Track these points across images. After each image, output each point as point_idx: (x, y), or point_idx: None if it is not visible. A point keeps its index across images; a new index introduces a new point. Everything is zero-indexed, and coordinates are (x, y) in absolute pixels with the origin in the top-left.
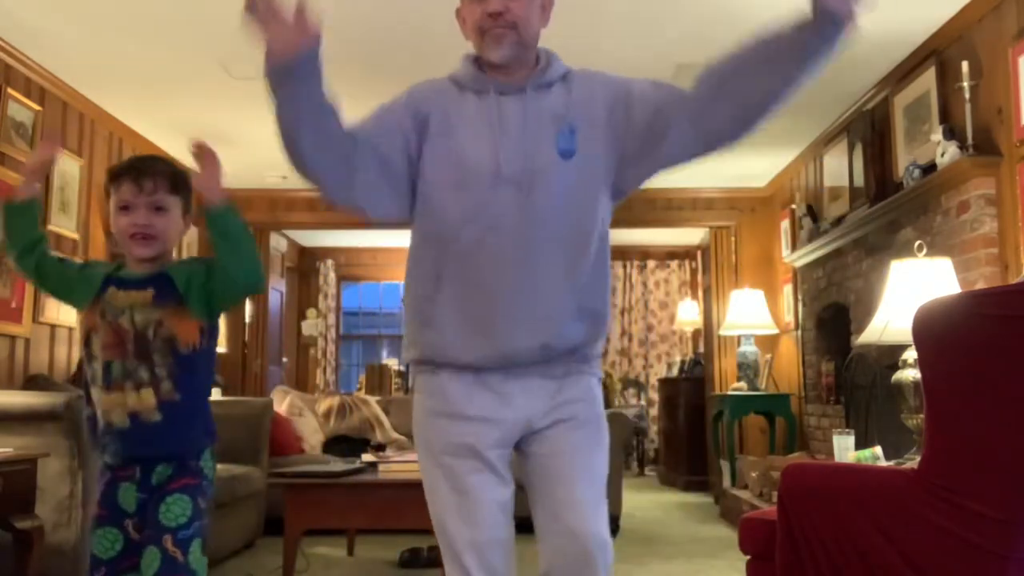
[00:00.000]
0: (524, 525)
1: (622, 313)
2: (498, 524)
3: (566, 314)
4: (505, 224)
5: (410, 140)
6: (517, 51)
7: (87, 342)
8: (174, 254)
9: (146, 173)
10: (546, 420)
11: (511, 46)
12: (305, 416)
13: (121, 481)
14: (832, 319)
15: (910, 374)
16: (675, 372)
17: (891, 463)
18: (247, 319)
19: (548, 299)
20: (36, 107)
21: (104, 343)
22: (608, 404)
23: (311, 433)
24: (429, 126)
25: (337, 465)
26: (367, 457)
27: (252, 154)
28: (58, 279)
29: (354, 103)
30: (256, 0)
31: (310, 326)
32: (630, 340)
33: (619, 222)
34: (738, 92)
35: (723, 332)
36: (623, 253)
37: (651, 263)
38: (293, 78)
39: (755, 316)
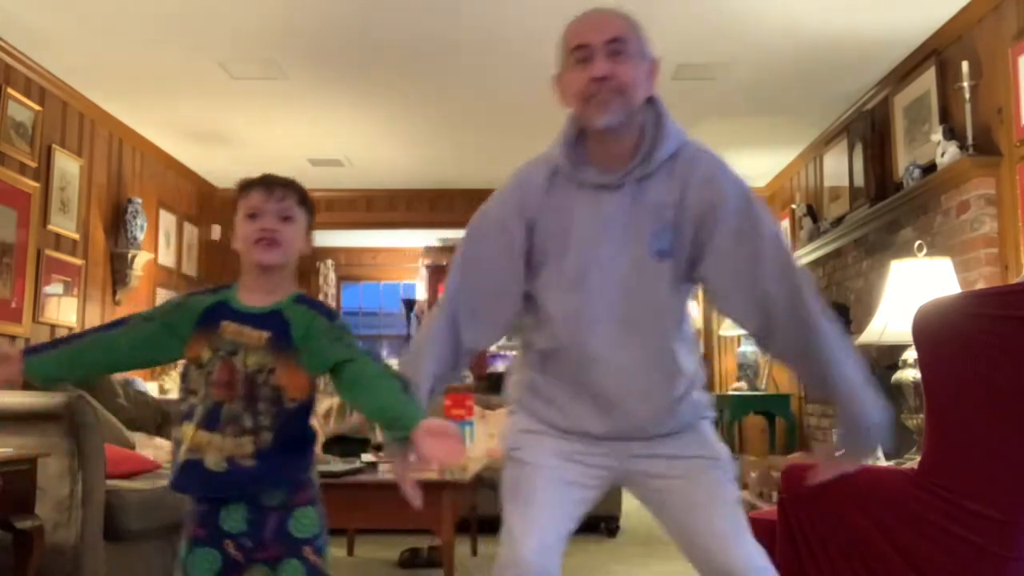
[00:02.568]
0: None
1: None
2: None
3: (662, 410)
4: (601, 325)
5: (521, 258)
6: (623, 117)
7: (185, 374)
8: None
9: (277, 183)
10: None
11: (617, 112)
12: None
13: (226, 504)
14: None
15: (910, 374)
16: None
17: (891, 463)
18: None
19: (640, 403)
20: (36, 107)
21: (217, 380)
22: None
23: None
24: (536, 231)
25: (337, 465)
26: (367, 457)
27: (252, 154)
28: (137, 349)
29: (380, 103)
30: None
31: None
32: None
33: None
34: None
35: (723, 332)
36: None
37: None
38: None
39: None
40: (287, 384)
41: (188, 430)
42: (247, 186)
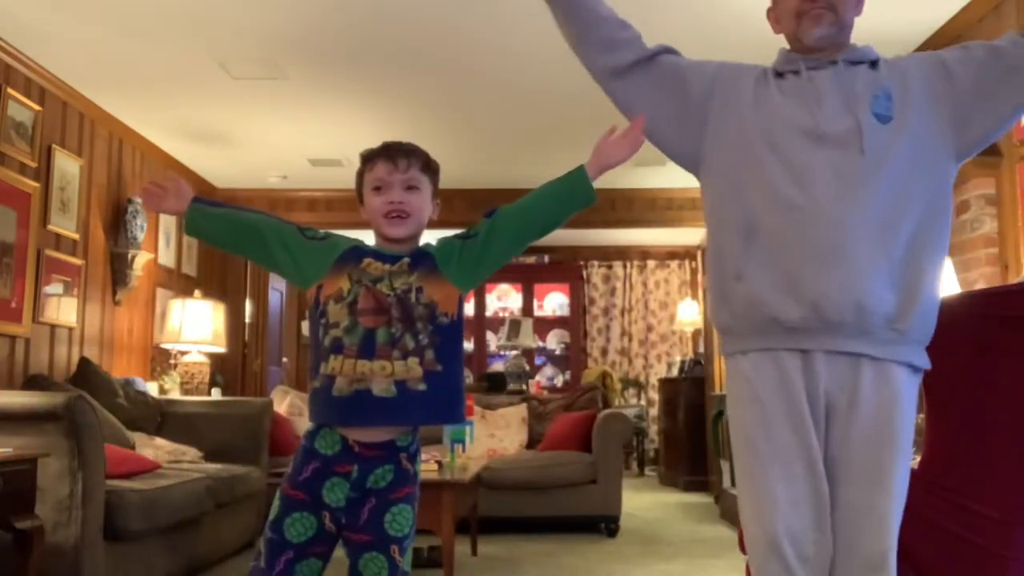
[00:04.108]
0: (520, 526)
1: (622, 313)
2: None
3: (878, 277)
4: (819, 181)
5: (708, 99)
6: (834, 31)
7: (323, 312)
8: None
9: (400, 152)
10: (843, 405)
11: (829, 25)
12: (305, 416)
13: (333, 475)
14: None
15: None
16: (675, 372)
17: None
18: (247, 319)
19: (860, 256)
20: (36, 107)
21: (363, 308)
22: (608, 404)
23: None
24: (737, 91)
25: None
26: None
27: (252, 154)
28: (275, 247)
29: (380, 103)
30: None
31: None
32: (630, 340)
33: (619, 222)
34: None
35: None
36: (623, 253)
37: (651, 263)
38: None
39: None
40: (439, 299)
41: (341, 363)
42: (370, 158)
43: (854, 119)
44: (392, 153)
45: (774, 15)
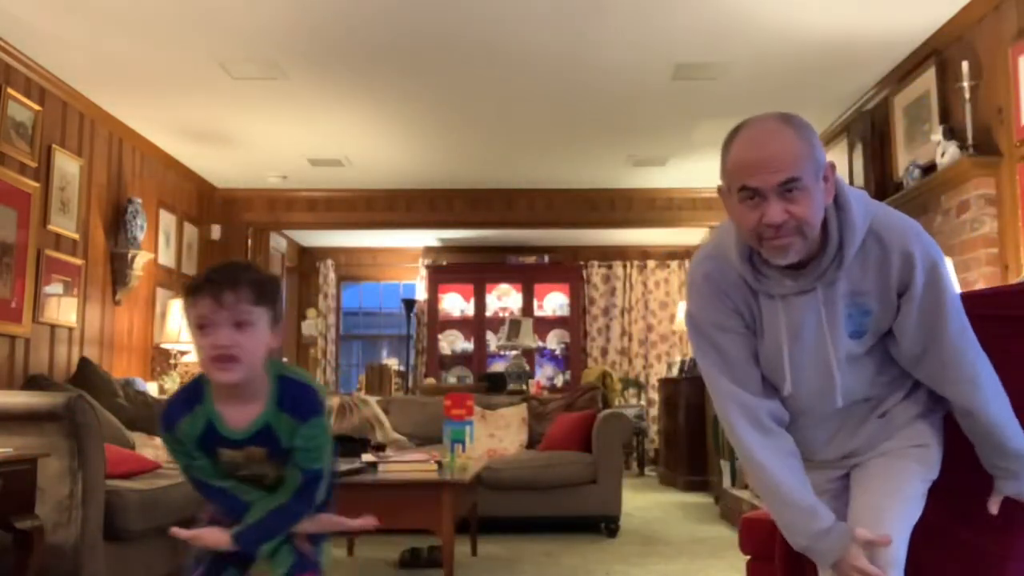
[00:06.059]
0: (520, 526)
1: (622, 313)
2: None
3: (871, 432)
4: (811, 411)
5: (748, 342)
6: (805, 252)
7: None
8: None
9: (226, 285)
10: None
11: (797, 252)
12: None
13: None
14: None
15: None
16: (675, 372)
17: None
18: None
19: (851, 438)
20: (36, 107)
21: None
22: (608, 404)
23: None
24: (744, 320)
25: (337, 465)
26: (367, 457)
27: (252, 154)
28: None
29: (380, 103)
30: None
31: (310, 326)
32: (630, 340)
33: (619, 222)
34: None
35: None
36: (623, 253)
37: (651, 263)
38: None
39: None
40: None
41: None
42: (193, 291)
43: (831, 351)
44: (216, 287)
45: (726, 208)
